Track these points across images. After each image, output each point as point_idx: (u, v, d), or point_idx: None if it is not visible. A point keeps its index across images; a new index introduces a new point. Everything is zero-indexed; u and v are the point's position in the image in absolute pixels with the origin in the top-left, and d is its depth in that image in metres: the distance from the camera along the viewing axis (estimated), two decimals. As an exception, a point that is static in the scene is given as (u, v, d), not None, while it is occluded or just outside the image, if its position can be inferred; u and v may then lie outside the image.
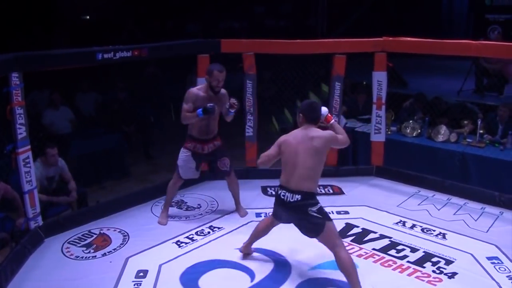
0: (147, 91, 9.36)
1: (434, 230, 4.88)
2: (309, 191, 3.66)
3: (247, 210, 5.26)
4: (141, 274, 4.11)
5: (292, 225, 4.67)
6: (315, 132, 3.72)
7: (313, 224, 3.66)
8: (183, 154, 4.93)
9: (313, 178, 3.70)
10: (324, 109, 3.95)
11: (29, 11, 10.94)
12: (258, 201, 5.55)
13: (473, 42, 5.42)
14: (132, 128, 7.75)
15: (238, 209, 5.25)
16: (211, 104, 4.61)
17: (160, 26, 13.27)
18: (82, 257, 4.44)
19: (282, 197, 3.70)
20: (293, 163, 3.67)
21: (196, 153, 4.91)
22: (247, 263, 4.24)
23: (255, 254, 4.38)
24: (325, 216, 3.69)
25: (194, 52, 5.86)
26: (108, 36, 11.05)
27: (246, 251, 4.33)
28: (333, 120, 4.04)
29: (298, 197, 3.63)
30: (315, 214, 3.63)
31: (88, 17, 13.52)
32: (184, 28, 13.87)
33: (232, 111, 4.77)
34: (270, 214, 4.11)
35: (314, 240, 4.37)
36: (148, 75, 10.05)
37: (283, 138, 3.83)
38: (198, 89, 4.80)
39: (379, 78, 6.00)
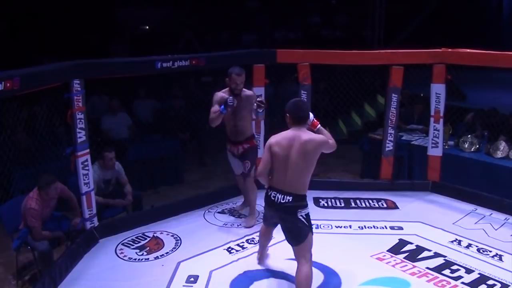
0: (203, 99, 9.49)
1: (490, 251, 4.69)
2: (300, 193, 3.67)
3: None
4: (192, 279, 4.16)
5: (343, 238, 4.61)
6: (307, 134, 3.66)
7: (299, 229, 3.68)
8: (228, 155, 5.26)
9: (304, 180, 3.68)
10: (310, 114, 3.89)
11: (90, 21, 11.35)
12: (310, 212, 5.50)
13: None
14: (187, 135, 7.90)
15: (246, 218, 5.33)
16: (231, 98, 4.74)
17: (216, 36, 13.49)
18: (135, 259, 4.55)
19: (273, 198, 3.69)
20: (285, 165, 3.64)
21: (232, 153, 5.18)
22: (297, 274, 4.20)
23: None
24: (310, 226, 3.73)
25: (250, 61, 5.92)
26: (165, 46, 11.34)
27: (262, 259, 4.44)
28: (319, 125, 3.94)
29: (290, 198, 3.64)
30: (303, 220, 3.66)
31: (147, 27, 13.92)
32: (240, 38, 14.04)
33: (260, 110, 4.89)
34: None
35: (365, 254, 4.31)
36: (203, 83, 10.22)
37: (273, 139, 3.74)
38: (223, 92, 4.95)
39: (438, 91, 5.85)
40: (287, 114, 3.72)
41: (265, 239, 4.33)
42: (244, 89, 4.96)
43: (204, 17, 13.23)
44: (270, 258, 4.50)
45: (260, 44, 9.30)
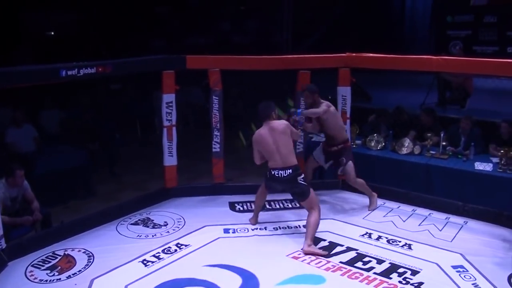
0: (112, 107, 9.24)
1: (399, 241, 4.95)
2: (295, 164, 4.75)
3: (216, 226, 5.21)
4: (107, 295, 4.02)
5: (260, 240, 4.68)
6: (273, 123, 4.83)
7: (302, 190, 4.73)
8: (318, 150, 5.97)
9: (292, 153, 4.80)
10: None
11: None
12: (226, 217, 5.53)
13: (434, 57, 5.53)
14: (97, 145, 7.59)
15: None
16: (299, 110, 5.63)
17: (125, 42, 13.16)
18: (47, 281, 4.31)
19: (277, 176, 4.73)
20: (275, 149, 4.72)
21: (325, 150, 5.85)
22: (215, 280, 4.18)
23: (222, 270, 4.35)
24: (309, 184, 4.80)
25: (159, 68, 5.83)
26: (72, 52, 10.93)
27: (255, 222, 5.29)
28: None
29: (290, 171, 4.70)
30: (302, 182, 4.73)
31: (52, 33, 13.33)
32: (149, 44, 13.80)
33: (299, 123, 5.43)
34: (263, 184, 5.07)
35: (281, 254, 4.40)
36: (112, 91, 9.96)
37: (255, 136, 4.88)
38: None
39: (344, 93, 6.10)
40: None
41: (260, 200, 5.26)
42: (323, 100, 5.63)
43: (112, 22, 12.87)
44: (186, 266, 4.46)
45: (171, 50, 9.21)
